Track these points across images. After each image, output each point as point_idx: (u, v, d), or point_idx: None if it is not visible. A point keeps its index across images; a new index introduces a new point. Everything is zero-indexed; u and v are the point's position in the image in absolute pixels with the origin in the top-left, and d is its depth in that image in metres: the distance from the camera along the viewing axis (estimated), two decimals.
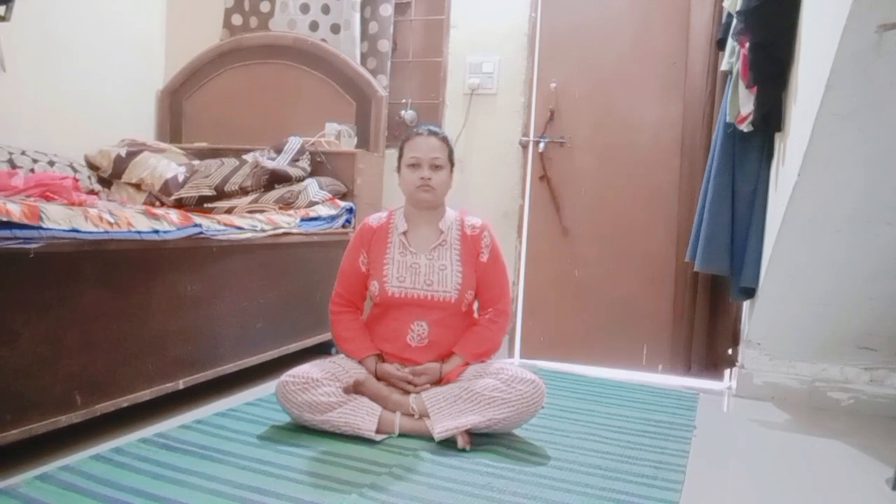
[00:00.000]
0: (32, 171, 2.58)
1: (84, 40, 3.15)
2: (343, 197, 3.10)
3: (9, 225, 1.48)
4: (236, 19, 3.61)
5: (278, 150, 3.10)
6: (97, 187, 2.96)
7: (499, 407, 1.90)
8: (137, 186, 3.00)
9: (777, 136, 2.48)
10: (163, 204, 2.86)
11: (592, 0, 3.22)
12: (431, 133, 2.12)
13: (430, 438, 1.90)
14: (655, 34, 3.14)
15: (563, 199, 3.27)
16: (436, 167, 2.09)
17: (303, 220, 2.70)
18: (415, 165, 2.09)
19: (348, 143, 3.23)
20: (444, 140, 2.14)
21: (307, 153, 3.10)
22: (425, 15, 3.42)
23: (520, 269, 3.32)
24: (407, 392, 2.02)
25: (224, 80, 3.53)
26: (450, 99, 3.38)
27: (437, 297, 2.08)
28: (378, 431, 1.91)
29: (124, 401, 1.84)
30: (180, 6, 3.66)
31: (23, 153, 2.64)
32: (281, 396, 1.95)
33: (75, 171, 2.83)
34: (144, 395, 1.91)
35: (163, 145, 3.25)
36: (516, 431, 1.99)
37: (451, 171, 2.15)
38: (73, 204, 1.96)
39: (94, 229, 1.69)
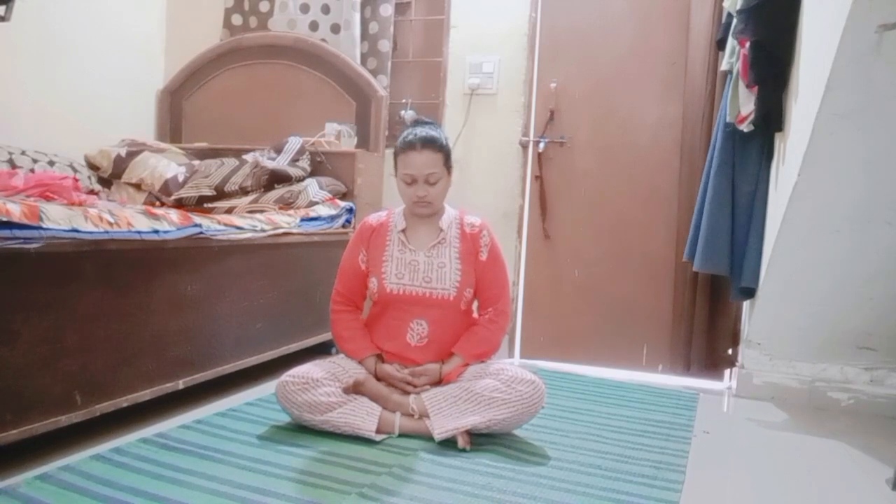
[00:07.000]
0: (32, 171, 2.58)
1: (84, 40, 3.15)
2: (343, 197, 3.10)
3: (9, 225, 1.48)
4: (236, 19, 3.61)
5: (278, 150, 3.10)
6: (97, 187, 2.96)
7: (499, 407, 1.90)
8: (137, 186, 3.00)
9: (777, 136, 2.48)
10: (163, 204, 2.86)
11: (592, 0, 3.22)
12: (425, 145, 2.04)
13: (430, 439, 1.90)
14: (655, 34, 3.14)
15: (559, 200, 3.27)
16: (432, 182, 2.06)
17: (303, 220, 2.70)
18: (410, 183, 2.07)
19: (348, 143, 3.23)
20: (440, 149, 2.06)
21: (307, 153, 3.10)
22: (425, 15, 3.42)
23: (520, 269, 3.32)
24: (407, 392, 2.02)
25: (224, 80, 3.53)
26: (450, 99, 3.38)
27: (435, 294, 2.08)
28: (378, 431, 1.91)
29: (124, 401, 1.84)
30: (180, 6, 3.66)
31: (23, 153, 2.64)
32: (281, 396, 1.95)
33: (75, 171, 2.83)
34: (144, 395, 1.91)
35: (163, 145, 3.25)
36: (516, 431, 1.99)
37: (450, 174, 2.12)
38: (73, 204, 1.96)
39: (94, 229, 1.69)
